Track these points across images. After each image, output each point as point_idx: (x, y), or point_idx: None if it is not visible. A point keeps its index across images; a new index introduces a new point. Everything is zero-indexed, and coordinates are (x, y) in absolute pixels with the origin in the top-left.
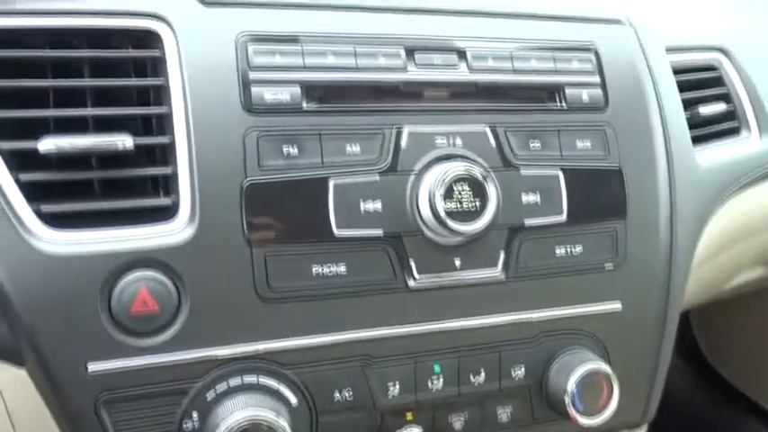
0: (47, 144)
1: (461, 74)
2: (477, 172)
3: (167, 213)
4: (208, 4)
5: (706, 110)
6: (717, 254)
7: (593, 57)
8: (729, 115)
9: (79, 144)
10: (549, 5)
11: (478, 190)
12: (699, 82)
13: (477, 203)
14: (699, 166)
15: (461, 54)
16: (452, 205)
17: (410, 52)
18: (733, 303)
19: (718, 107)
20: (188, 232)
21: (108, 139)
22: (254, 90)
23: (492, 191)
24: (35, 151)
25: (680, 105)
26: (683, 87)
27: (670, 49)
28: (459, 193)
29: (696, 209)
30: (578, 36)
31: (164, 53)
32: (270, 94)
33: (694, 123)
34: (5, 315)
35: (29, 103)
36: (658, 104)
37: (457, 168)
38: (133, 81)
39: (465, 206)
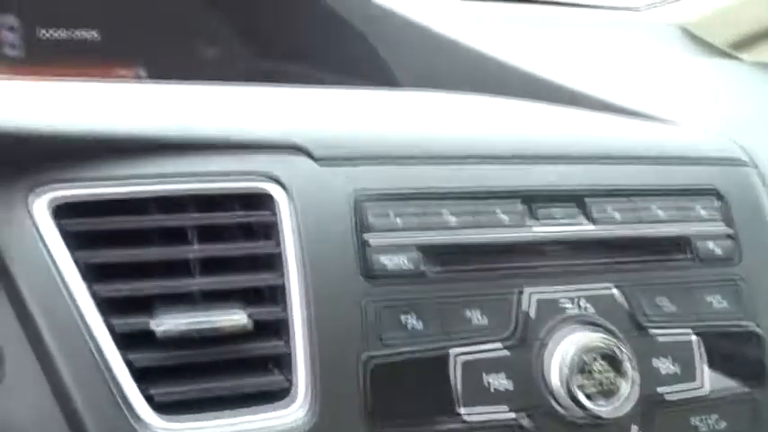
0: (166, 325)
1: (585, 228)
2: (611, 343)
3: (281, 393)
4: (321, 161)
5: None
6: None
7: (719, 203)
8: None
9: (196, 324)
10: (662, 144)
11: (614, 362)
12: None
13: (613, 378)
14: None
15: (582, 205)
16: (587, 381)
17: (530, 206)
18: None
19: None
20: (306, 417)
21: (225, 318)
22: (373, 256)
23: (628, 364)
24: (147, 331)
25: None
26: None
27: None
28: (595, 368)
29: None
30: (699, 180)
31: (276, 216)
32: (389, 260)
33: None
34: None
35: (134, 271)
36: None
37: (591, 340)
38: (246, 249)
39: (600, 383)
